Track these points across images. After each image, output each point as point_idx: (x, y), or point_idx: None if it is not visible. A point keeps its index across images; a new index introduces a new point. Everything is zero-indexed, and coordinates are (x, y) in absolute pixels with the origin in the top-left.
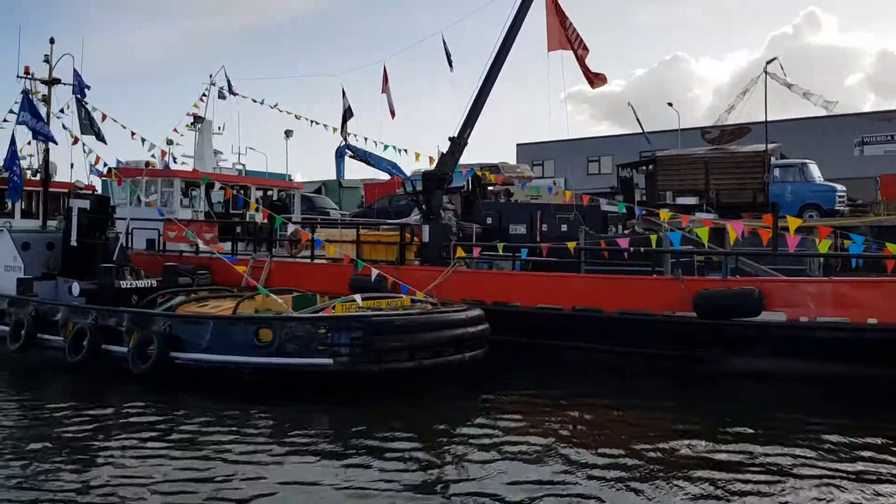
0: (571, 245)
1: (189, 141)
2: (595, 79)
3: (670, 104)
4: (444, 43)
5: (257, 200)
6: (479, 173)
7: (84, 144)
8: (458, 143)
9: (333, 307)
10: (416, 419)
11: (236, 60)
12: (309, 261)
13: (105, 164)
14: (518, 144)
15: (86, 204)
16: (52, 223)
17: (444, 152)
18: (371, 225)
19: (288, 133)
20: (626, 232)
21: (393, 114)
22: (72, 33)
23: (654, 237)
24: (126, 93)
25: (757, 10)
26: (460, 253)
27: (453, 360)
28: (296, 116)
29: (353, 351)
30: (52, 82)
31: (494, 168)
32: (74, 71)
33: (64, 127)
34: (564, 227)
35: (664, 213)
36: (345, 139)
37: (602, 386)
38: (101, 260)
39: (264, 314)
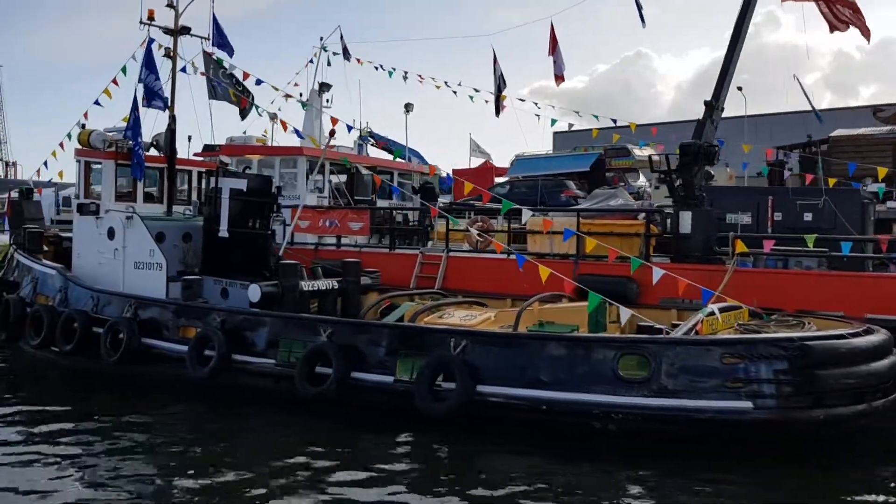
0: None
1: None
2: (838, 23)
3: (739, 88)
4: None
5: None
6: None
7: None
8: (715, 107)
9: (700, 324)
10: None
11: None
12: (505, 256)
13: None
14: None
15: (241, 185)
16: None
17: (700, 119)
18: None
19: (408, 107)
20: None
21: (560, 79)
22: None
23: None
24: None
25: (718, 9)
26: (741, 247)
27: None
28: (436, 86)
29: (781, 390)
30: (178, 32)
31: (623, 151)
32: (213, 18)
33: (213, 86)
34: (809, 217)
35: None
36: (499, 109)
37: None
38: (261, 255)
39: (563, 331)
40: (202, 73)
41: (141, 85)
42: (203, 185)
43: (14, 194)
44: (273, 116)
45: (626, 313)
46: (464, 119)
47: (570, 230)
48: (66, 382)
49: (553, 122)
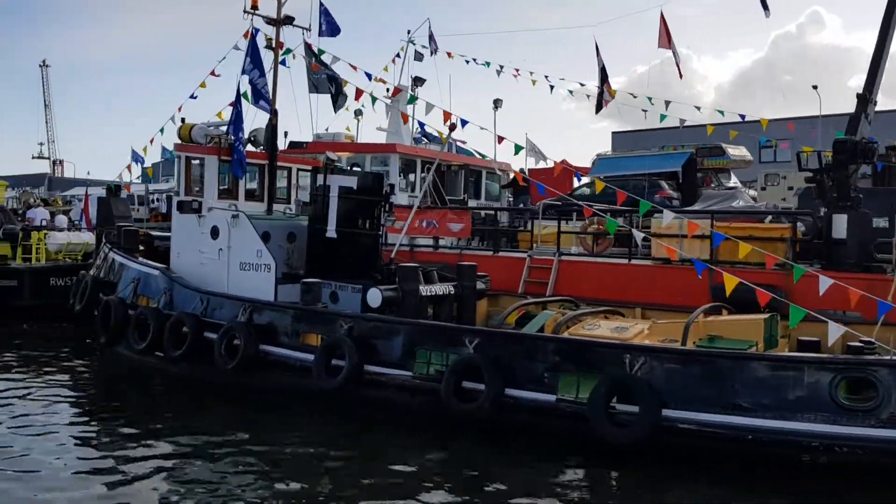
0: None
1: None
2: None
3: (815, 87)
4: None
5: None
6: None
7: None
8: (869, 100)
9: None
10: None
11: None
12: (626, 261)
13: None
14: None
15: (351, 182)
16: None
17: (852, 114)
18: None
19: (497, 103)
20: None
21: (681, 72)
22: None
23: None
24: None
25: (760, 10)
26: None
27: None
28: (532, 80)
29: None
30: (280, 22)
31: (717, 149)
32: (321, 6)
33: (329, 78)
34: None
35: None
36: (603, 103)
37: None
38: (371, 257)
39: (739, 346)
40: (315, 66)
41: (244, 77)
42: (295, 181)
43: (92, 191)
44: (358, 112)
45: (836, 330)
46: (522, 116)
47: (719, 234)
48: (177, 390)
49: (662, 117)
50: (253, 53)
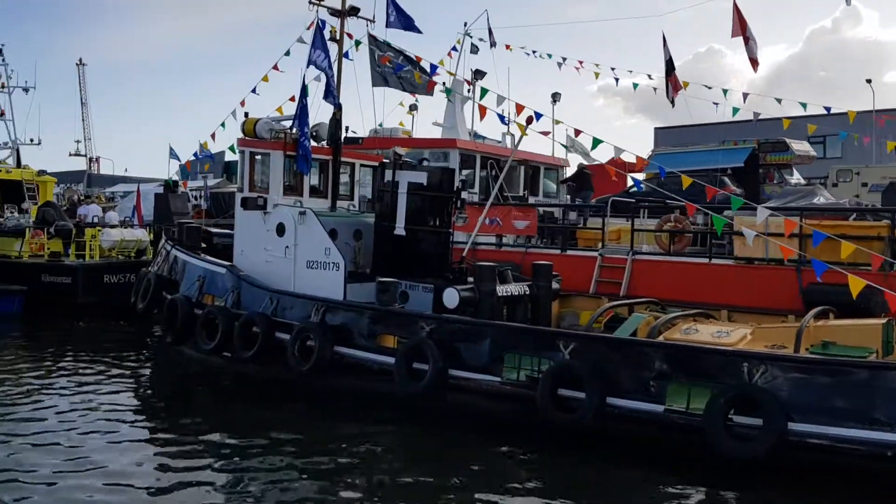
0: None
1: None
2: None
3: (869, 81)
4: None
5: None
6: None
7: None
8: None
9: None
10: None
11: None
12: (706, 261)
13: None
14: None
15: (421, 178)
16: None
17: None
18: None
19: (555, 97)
20: None
21: (755, 63)
22: None
23: None
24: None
25: (795, 5)
26: None
27: None
28: (595, 73)
29: None
30: (345, 13)
31: (780, 144)
32: None
33: (383, 72)
34: None
35: None
36: (672, 99)
37: None
38: (441, 255)
39: (857, 353)
40: (385, 59)
41: (309, 70)
42: (358, 177)
43: (145, 188)
44: (413, 107)
45: None
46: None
47: (819, 232)
48: (248, 391)
49: (735, 111)
50: (323, 46)
